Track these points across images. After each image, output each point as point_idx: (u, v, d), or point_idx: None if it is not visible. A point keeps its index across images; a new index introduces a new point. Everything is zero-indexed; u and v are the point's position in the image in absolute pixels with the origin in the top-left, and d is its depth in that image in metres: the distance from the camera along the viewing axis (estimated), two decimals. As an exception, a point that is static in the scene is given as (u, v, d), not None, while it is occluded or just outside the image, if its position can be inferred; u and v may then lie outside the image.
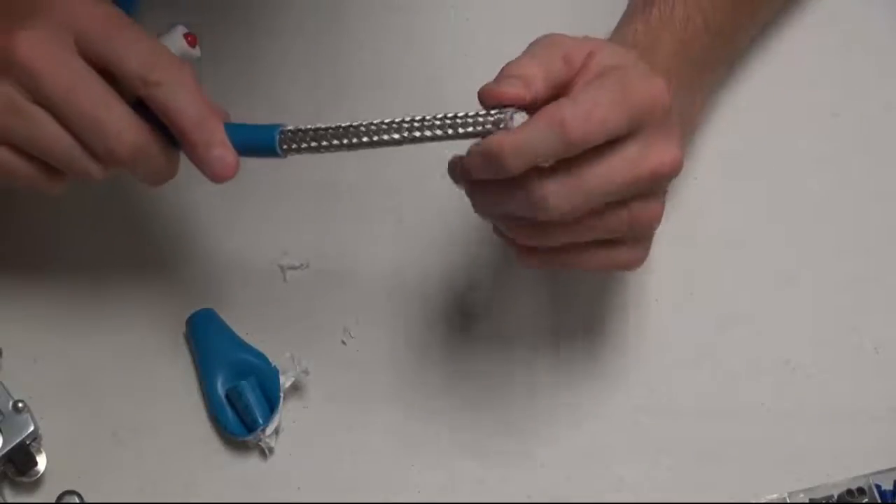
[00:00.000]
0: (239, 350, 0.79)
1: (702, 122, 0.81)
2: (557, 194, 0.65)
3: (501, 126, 0.63)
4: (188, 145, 0.69)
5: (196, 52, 0.73)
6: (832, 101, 0.84)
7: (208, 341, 0.79)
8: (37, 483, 0.77)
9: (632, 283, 0.80)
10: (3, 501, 0.76)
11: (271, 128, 0.70)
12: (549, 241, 0.68)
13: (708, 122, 0.83)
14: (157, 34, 0.73)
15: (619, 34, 0.76)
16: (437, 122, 0.64)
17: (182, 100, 0.68)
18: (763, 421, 0.78)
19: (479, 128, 0.64)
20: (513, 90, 0.65)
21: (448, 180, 0.68)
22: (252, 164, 0.80)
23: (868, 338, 0.80)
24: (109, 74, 0.69)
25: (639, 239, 0.70)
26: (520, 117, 0.64)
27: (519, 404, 0.78)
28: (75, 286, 0.80)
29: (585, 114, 0.64)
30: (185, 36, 0.72)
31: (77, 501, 0.76)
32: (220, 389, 0.78)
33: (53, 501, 0.76)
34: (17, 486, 0.77)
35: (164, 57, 0.69)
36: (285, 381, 0.77)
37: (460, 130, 0.64)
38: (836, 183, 0.83)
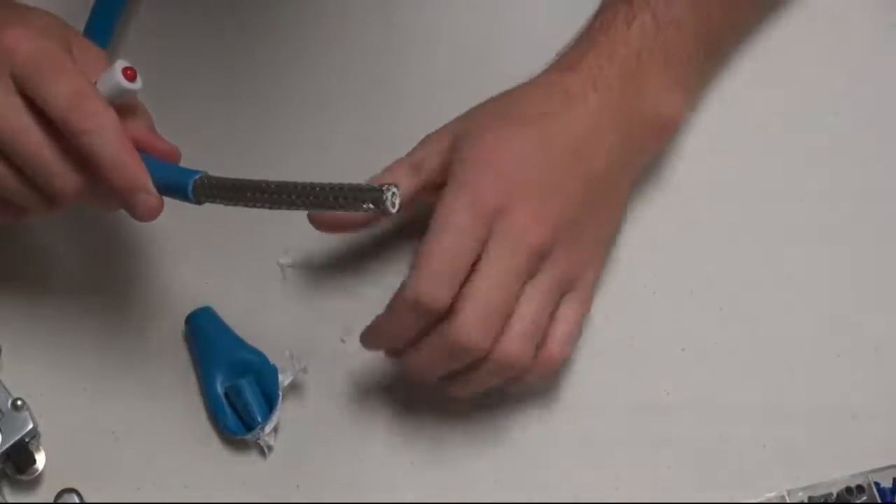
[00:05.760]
0: (238, 349, 0.78)
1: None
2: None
3: (381, 206, 0.65)
4: (113, 190, 0.69)
5: (136, 84, 0.71)
6: (832, 100, 0.84)
7: (207, 340, 0.79)
8: (36, 481, 0.76)
9: (630, 281, 0.80)
10: (2, 500, 0.76)
11: (189, 174, 0.70)
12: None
13: (707, 122, 0.83)
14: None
15: (560, 56, 0.78)
16: (324, 193, 0.66)
17: (103, 147, 0.68)
18: (763, 420, 0.78)
19: (360, 203, 0.66)
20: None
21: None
22: (251, 162, 0.81)
23: (868, 337, 0.80)
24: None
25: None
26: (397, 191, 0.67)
27: (518, 403, 0.78)
28: (74, 284, 0.80)
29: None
30: (124, 70, 0.71)
31: (76, 500, 0.76)
32: (220, 388, 0.78)
33: (52, 500, 0.76)
34: (16, 485, 0.76)
35: (87, 102, 0.68)
36: (284, 380, 0.77)
37: (340, 201, 0.66)
38: (837, 182, 0.83)
